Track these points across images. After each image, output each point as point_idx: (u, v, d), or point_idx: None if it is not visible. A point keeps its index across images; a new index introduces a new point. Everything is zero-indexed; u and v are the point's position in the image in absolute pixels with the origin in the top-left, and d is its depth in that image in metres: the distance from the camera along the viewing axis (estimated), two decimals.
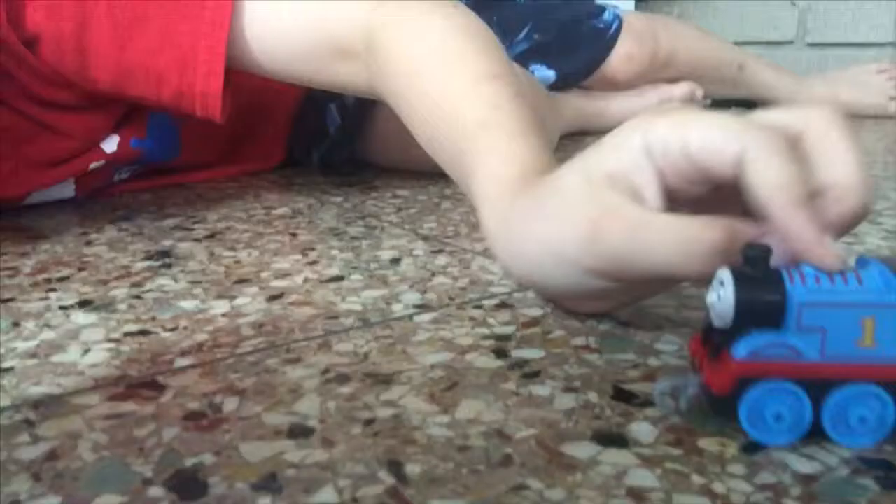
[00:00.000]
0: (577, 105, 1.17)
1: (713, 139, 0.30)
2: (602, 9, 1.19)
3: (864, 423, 0.28)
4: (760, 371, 0.28)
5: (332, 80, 0.59)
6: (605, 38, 1.17)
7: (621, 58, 1.18)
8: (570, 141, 1.08)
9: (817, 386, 0.28)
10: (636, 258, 0.32)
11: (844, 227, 0.30)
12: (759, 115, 0.32)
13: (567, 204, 0.34)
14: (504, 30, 1.09)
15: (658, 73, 1.23)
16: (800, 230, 0.28)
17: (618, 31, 1.18)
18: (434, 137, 0.48)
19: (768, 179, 0.29)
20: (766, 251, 0.28)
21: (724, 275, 0.28)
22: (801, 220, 0.28)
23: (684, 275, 0.32)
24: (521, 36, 1.10)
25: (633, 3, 1.74)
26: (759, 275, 0.28)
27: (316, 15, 0.56)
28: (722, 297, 0.28)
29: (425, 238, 0.60)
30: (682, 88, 1.28)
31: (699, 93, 1.29)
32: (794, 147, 0.30)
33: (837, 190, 0.30)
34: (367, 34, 0.53)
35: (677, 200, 0.33)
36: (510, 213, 0.38)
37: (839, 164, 0.30)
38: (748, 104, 1.50)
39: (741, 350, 0.28)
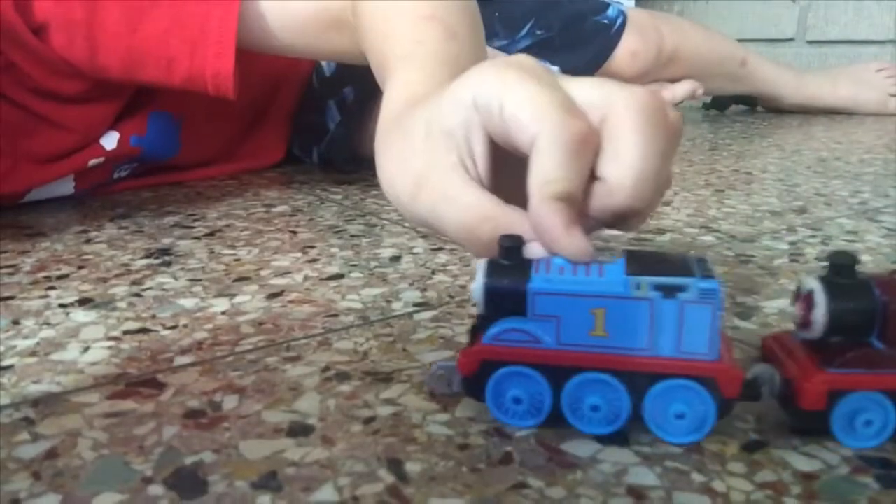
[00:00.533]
0: None
1: (519, 114, 0.30)
2: (606, 5, 1.19)
3: (596, 412, 0.29)
4: (501, 355, 0.29)
5: (331, 50, 0.60)
6: (609, 34, 1.16)
7: (626, 54, 1.17)
8: None
9: (556, 372, 0.29)
10: (438, 227, 0.33)
11: (613, 221, 0.30)
12: (577, 89, 0.31)
13: (406, 151, 0.35)
14: (506, 25, 1.09)
15: (662, 69, 1.23)
16: (547, 223, 0.28)
17: (622, 27, 1.17)
18: (379, 80, 0.49)
19: (539, 171, 0.29)
20: (520, 241, 0.29)
21: (480, 264, 0.29)
22: (549, 213, 0.28)
23: (475, 253, 0.32)
24: (524, 32, 1.09)
25: (633, 0, 1.73)
26: (510, 264, 0.29)
27: None
28: (475, 285, 0.29)
29: (425, 236, 0.60)
30: (683, 87, 1.28)
31: (699, 91, 1.29)
32: (593, 133, 0.29)
33: (609, 183, 0.29)
34: (353, 3, 0.54)
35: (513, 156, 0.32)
36: (380, 137, 0.39)
37: (620, 157, 0.29)
38: (748, 100, 1.50)
39: (486, 335, 0.29)
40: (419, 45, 0.45)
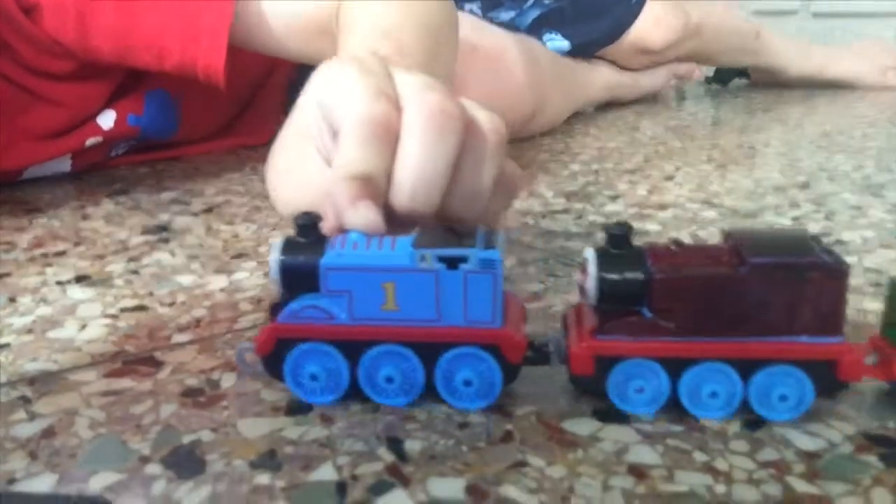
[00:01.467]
0: (607, 76, 1.14)
1: (332, 102, 0.31)
2: None
3: (391, 383, 0.29)
4: (297, 332, 0.29)
5: (320, 56, 0.59)
6: (629, 3, 1.10)
7: (650, 25, 1.10)
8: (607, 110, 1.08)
9: (352, 346, 0.29)
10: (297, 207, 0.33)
11: (398, 213, 0.30)
12: (400, 84, 0.32)
13: (280, 148, 0.39)
14: None
15: (687, 42, 1.20)
16: (336, 199, 0.28)
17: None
18: None
19: (339, 153, 0.30)
20: (315, 219, 0.29)
21: (275, 242, 0.30)
22: (339, 190, 0.28)
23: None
24: (531, 1, 1.05)
25: None
26: (305, 241, 0.29)
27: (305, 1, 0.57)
28: (270, 262, 0.30)
29: None
30: (685, 66, 1.28)
31: (698, 73, 1.30)
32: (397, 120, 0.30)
33: (392, 183, 0.30)
34: (337, 12, 0.54)
35: None
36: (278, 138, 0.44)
37: (400, 158, 0.30)
38: (745, 73, 1.49)
39: (282, 313, 0.29)
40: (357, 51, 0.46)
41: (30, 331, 0.38)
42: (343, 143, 0.30)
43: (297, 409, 0.30)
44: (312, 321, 0.29)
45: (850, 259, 0.46)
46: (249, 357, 0.31)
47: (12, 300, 0.42)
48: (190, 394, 0.31)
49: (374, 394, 0.30)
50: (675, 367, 0.28)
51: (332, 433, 0.28)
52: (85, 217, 0.59)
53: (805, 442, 0.27)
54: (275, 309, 0.30)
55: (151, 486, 0.25)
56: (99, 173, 0.74)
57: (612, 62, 1.14)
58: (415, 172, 0.29)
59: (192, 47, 0.57)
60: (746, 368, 0.28)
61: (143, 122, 0.71)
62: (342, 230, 0.29)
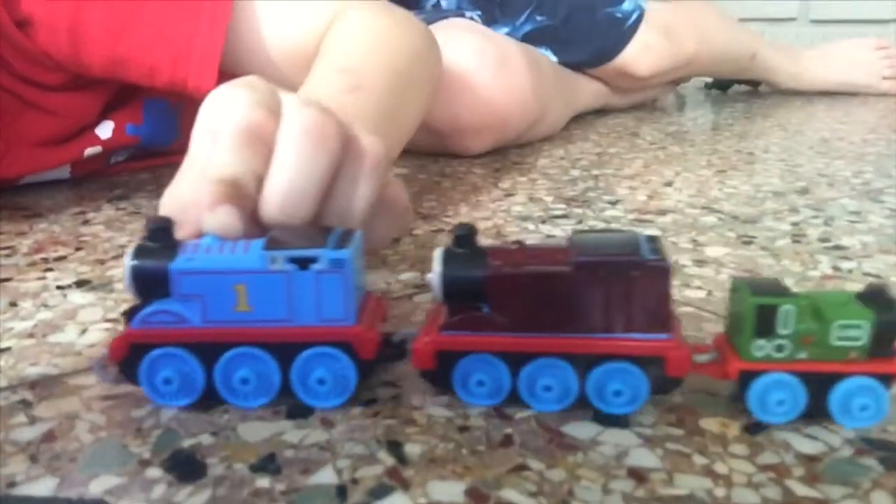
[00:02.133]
0: (596, 85, 1.14)
1: (210, 113, 0.33)
2: None
3: (246, 384, 0.30)
4: (150, 338, 0.30)
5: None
6: (621, 28, 1.08)
7: (638, 52, 1.08)
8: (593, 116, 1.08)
9: (206, 350, 0.30)
10: None
11: (267, 224, 0.31)
12: (284, 100, 0.33)
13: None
14: (505, 13, 1.05)
15: (677, 72, 1.18)
16: (200, 202, 0.29)
17: (637, 21, 1.08)
18: None
19: (209, 163, 0.31)
20: (167, 223, 0.30)
21: (129, 249, 0.30)
22: (202, 193, 0.29)
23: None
24: (524, 17, 1.05)
25: None
26: (158, 246, 0.30)
27: (295, 31, 0.58)
28: (124, 269, 0.30)
29: (425, 217, 0.59)
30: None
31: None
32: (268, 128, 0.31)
33: (264, 188, 0.31)
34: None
35: None
36: None
37: (271, 171, 0.31)
38: (750, 80, 1.49)
39: (135, 319, 0.30)
40: (316, 87, 0.49)
41: (30, 335, 0.38)
42: (215, 150, 0.30)
43: (297, 412, 0.30)
44: (164, 326, 0.29)
45: (849, 265, 0.46)
46: (108, 363, 0.31)
47: (13, 304, 0.42)
48: None
49: (230, 396, 0.30)
50: (515, 362, 0.29)
51: (332, 437, 0.28)
52: (85, 222, 0.60)
53: (805, 445, 0.27)
54: (130, 314, 0.30)
55: (152, 489, 0.25)
56: (99, 179, 0.74)
57: (600, 80, 1.14)
58: (285, 184, 0.30)
59: (183, 68, 0.58)
60: (586, 364, 0.29)
61: (142, 131, 0.72)
62: (201, 234, 0.30)
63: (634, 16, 1.08)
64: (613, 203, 0.63)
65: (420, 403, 0.30)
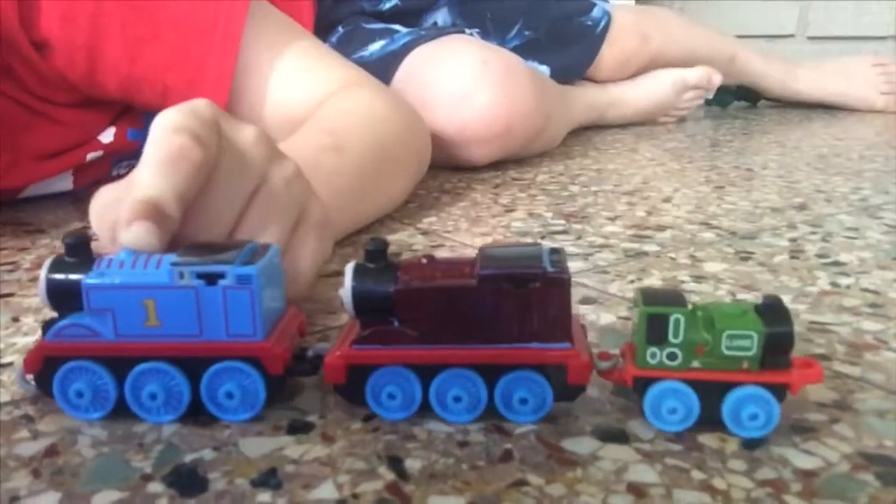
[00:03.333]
0: (590, 98, 1.16)
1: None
2: (592, 5, 1.17)
3: (155, 399, 0.30)
4: (63, 351, 0.30)
5: None
6: (593, 35, 1.15)
7: (608, 56, 1.16)
8: (594, 132, 1.08)
9: (118, 363, 0.30)
10: None
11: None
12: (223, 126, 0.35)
13: None
14: (496, 28, 1.09)
15: (648, 67, 1.23)
16: (119, 219, 0.30)
17: (606, 28, 1.15)
18: None
19: (132, 182, 0.32)
20: (83, 238, 0.31)
21: (45, 264, 0.31)
22: (122, 211, 0.30)
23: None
24: (513, 33, 1.09)
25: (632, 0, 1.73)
26: (73, 261, 0.30)
27: (297, 96, 0.61)
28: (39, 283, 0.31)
29: (425, 232, 0.60)
30: (695, 74, 1.26)
31: (717, 78, 1.25)
32: (188, 150, 0.32)
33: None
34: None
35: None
36: None
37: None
38: (749, 97, 1.50)
39: (49, 332, 0.30)
40: (299, 141, 0.52)
41: None
42: (140, 168, 0.32)
43: (298, 427, 0.30)
44: (77, 339, 0.30)
45: (847, 281, 0.46)
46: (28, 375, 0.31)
47: (15, 320, 0.42)
48: (191, 413, 0.31)
49: (140, 411, 0.31)
50: (426, 374, 0.30)
51: (333, 452, 0.28)
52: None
53: (802, 460, 0.27)
54: (46, 327, 0.31)
55: None
56: None
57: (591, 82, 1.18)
58: (150, 198, 0.31)
59: (197, 89, 0.60)
60: (493, 374, 0.30)
61: (143, 136, 0.72)
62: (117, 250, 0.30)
63: (603, 22, 1.15)
64: (612, 219, 0.63)
65: (420, 418, 0.30)
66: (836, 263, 0.50)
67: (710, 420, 0.29)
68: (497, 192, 0.75)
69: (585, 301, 0.43)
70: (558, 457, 0.28)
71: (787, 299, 0.43)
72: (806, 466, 0.27)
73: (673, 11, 1.35)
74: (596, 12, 1.16)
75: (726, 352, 0.28)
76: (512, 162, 0.89)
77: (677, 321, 0.28)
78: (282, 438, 0.29)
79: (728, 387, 0.28)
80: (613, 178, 0.80)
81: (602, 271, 0.49)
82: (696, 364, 0.29)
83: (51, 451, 0.29)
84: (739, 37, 1.39)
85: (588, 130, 1.16)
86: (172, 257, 0.29)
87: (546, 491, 0.26)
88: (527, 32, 1.09)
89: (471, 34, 1.00)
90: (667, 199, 0.70)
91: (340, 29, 0.94)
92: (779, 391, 0.28)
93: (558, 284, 0.29)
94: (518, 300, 0.29)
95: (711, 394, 0.29)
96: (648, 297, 0.29)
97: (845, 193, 0.71)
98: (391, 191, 0.62)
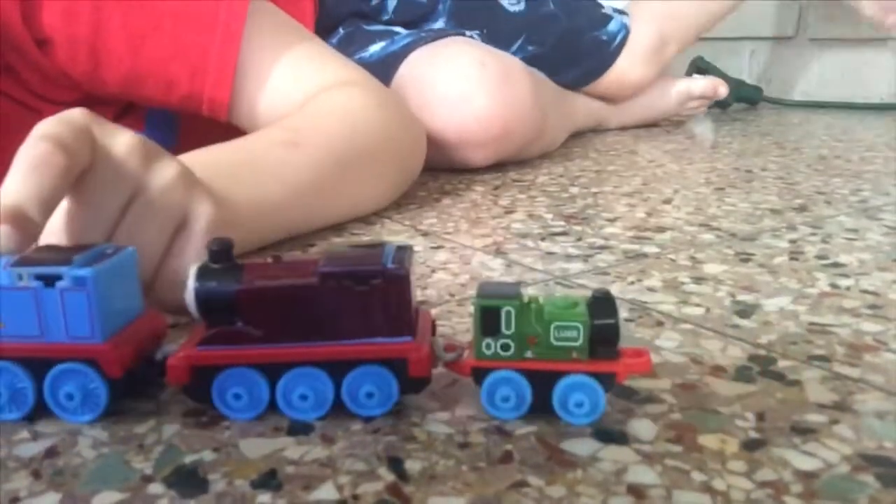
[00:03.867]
0: (592, 105, 1.15)
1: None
2: (608, 18, 1.11)
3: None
4: None
5: None
6: (606, 50, 1.10)
7: (620, 73, 1.11)
8: (591, 136, 1.08)
9: None
10: None
11: None
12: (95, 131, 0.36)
13: None
14: (497, 39, 1.05)
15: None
16: None
17: (622, 43, 1.10)
18: None
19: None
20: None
21: None
22: None
23: None
24: (514, 48, 1.05)
25: None
26: None
27: (291, 89, 0.62)
28: None
29: (425, 234, 0.60)
30: (701, 86, 1.25)
31: (722, 90, 1.25)
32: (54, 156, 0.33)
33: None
34: None
35: None
36: None
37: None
38: (749, 99, 1.50)
39: None
40: (256, 136, 0.54)
41: None
42: (9, 173, 0.32)
43: (298, 429, 0.30)
44: None
45: (847, 282, 0.46)
46: None
47: None
48: (192, 414, 0.31)
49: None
50: (272, 373, 0.30)
51: (333, 453, 0.28)
52: None
53: (802, 462, 0.27)
54: None
55: None
56: None
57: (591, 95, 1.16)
58: (75, 210, 0.32)
59: (200, 80, 0.60)
60: (339, 370, 0.30)
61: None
62: None
63: (619, 36, 1.10)
64: (612, 220, 0.63)
65: (420, 420, 0.30)
66: (836, 265, 0.50)
67: (543, 408, 0.30)
68: (497, 193, 0.75)
69: None
70: (558, 458, 0.28)
71: (787, 300, 0.43)
72: (806, 468, 0.27)
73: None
74: (612, 26, 1.10)
75: (555, 342, 0.29)
76: (512, 163, 0.89)
77: (508, 313, 0.29)
78: (282, 439, 0.29)
79: (558, 376, 0.30)
80: (613, 180, 0.80)
81: (602, 273, 0.49)
82: (529, 354, 0.30)
83: (51, 452, 0.29)
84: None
85: (588, 132, 1.16)
86: (10, 258, 0.30)
87: (546, 492, 0.26)
88: (530, 48, 1.05)
89: (471, 36, 1.00)
90: (667, 201, 0.70)
91: (341, 30, 0.94)
92: (606, 380, 0.30)
93: (397, 280, 0.30)
94: (359, 297, 0.30)
95: (543, 382, 0.30)
96: (484, 290, 0.30)
97: (845, 195, 0.71)
98: (362, 191, 0.62)
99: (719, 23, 1.27)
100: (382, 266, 0.30)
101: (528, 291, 0.37)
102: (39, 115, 0.65)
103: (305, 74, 0.63)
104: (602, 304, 0.30)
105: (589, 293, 0.30)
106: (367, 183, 0.62)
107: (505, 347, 0.30)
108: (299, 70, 0.63)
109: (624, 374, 0.30)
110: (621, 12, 1.14)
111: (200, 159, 0.47)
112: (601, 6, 1.12)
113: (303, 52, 0.64)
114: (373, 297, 0.30)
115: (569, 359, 0.29)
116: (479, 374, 0.30)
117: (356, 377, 0.30)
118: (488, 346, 0.30)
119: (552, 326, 0.29)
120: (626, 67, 1.12)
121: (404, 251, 0.31)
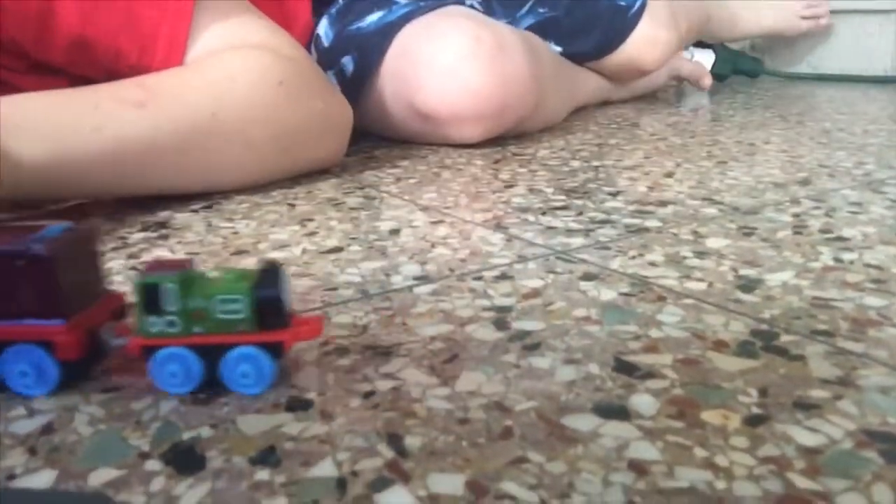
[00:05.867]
0: (598, 81, 1.13)
1: None
2: None
3: None
4: None
5: None
6: (624, 18, 1.05)
7: (644, 42, 1.06)
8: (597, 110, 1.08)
9: None
10: None
11: None
12: None
13: None
14: (505, 5, 1.04)
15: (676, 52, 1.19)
16: None
17: (640, 10, 1.05)
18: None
19: None
20: None
21: None
22: None
23: None
24: (525, 10, 1.02)
25: None
26: None
27: (215, 43, 0.62)
28: None
29: (425, 209, 0.59)
30: (688, 70, 1.28)
31: (706, 81, 1.30)
32: None
33: None
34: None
35: None
36: None
37: None
38: (749, 72, 1.49)
39: None
40: (106, 87, 0.56)
41: None
42: None
43: (297, 405, 0.30)
44: None
45: (850, 256, 0.46)
46: None
47: None
48: None
49: None
50: None
51: (332, 429, 0.28)
52: (84, 214, 0.59)
53: (805, 438, 0.27)
54: None
55: (151, 482, 0.25)
56: None
57: (601, 74, 1.13)
58: None
59: (149, 54, 0.61)
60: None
61: None
62: None
63: (637, 4, 1.06)
64: (614, 194, 0.62)
65: (420, 396, 0.30)
66: (840, 239, 0.49)
67: (214, 382, 0.30)
68: (497, 167, 0.74)
69: (587, 277, 0.43)
70: (559, 434, 0.28)
71: (790, 275, 0.43)
72: (809, 443, 0.27)
73: None
74: None
75: (221, 315, 0.30)
76: (512, 137, 0.88)
77: (168, 290, 0.30)
78: (280, 416, 0.29)
79: (226, 349, 0.30)
80: (615, 154, 0.80)
81: (603, 247, 0.49)
82: (197, 329, 0.30)
83: (47, 429, 0.28)
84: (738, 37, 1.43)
85: (589, 105, 1.15)
86: None
87: (546, 468, 0.26)
88: (542, 10, 1.01)
89: (471, 5, 0.98)
90: (668, 175, 0.69)
91: (340, 0, 0.92)
92: (275, 349, 0.30)
93: (41, 262, 0.30)
94: (6, 277, 0.30)
95: (213, 356, 0.30)
96: (148, 268, 0.30)
97: (849, 168, 0.71)
98: (218, 162, 0.61)
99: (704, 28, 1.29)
100: (26, 247, 0.30)
101: (209, 266, 0.35)
102: (3, 83, 0.65)
103: (216, 36, 0.63)
104: (266, 275, 0.30)
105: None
106: (226, 156, 0.61)
107: (171, 324, 0.30)
108: (216, 35, 0.63)
109: (290, 343, 0.31)
110: None
111: (19, 107, 0.49)
112: None
113: (237, 19, 0.64)
114: (19, 278, 0.30)
115: (235, 331, 0.30)
116: (148, 353, 0.30)
117: (11, 355, 0.30)
118: (154, 324, 0.30)
119: (216, 300, 0.30)
120: (648, 36, 1.07)
121: (75, 232, 0.31)
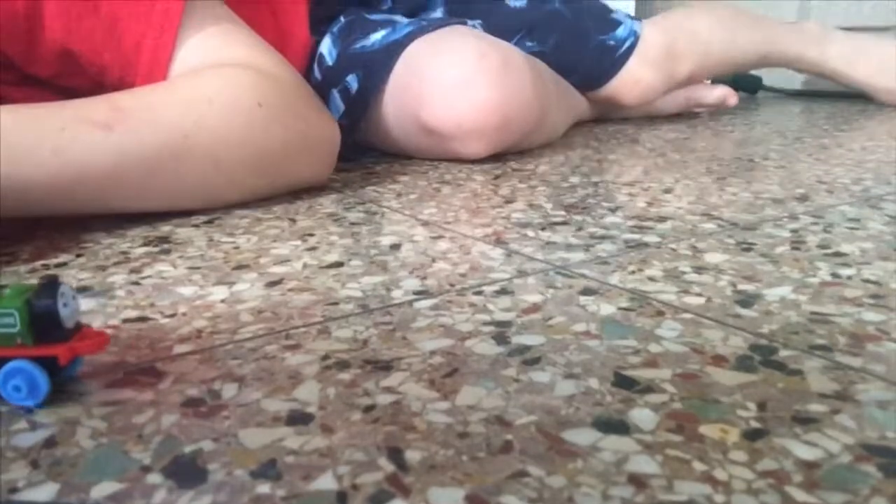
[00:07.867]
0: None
1: None
2: (617, 23, 1.06)
3: None
4: None
5: None
6: (612, 56, 1.05)
7: (628, 81, 1.06)
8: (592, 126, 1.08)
9: None
10: None
11: None
12: None
13: None
14: (493, 32, 1.03)
15: (672, 91, 1.15)
16: None
17: (630, 50, 1.05)
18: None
19: None
20: None
21: None
22: None
23: None
24: (513, 42, 1.01)
25: (633, 1, 1.72)
26: None
27: (197, 60, 0.62)
28: None
29: (425, 224, 0.59)
30: (713, 97, 1.21)
31: (733, 100, 1.21)
32: None
33: None
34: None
35: None
36: None
37: None
38: (749, 87, 1.50)
39: None
40: (78, 104, 0.54)
41: None
42: None
43: (297, 419, 0.30)
44: None
45: (848, 272, 0.46)
46: None
47: None
48: (191, 404, 0.31)
49: None
50: None
51: (333, 443, 0.28)
52: (86, 228, 0.60)
53: (804, 451, 0.27)
54: None
55: (153, 495, 0.25)
56: None
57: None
58: None
59: (132, 69, 0.61)
60: None
61: None
62: None
63: (628, 43, 1.06)
64: (613, 210, 0.63)
65: (420, 410, 0.30)
66: (838, 254, 0.50)
67: None
68: (497, 182, 0.74)
69: (586, 292, 0.43)
70: (559, 448, 0.28)
71: (788, 290, 0.43)
72: (807, 457, 0.27)
73: (707, 8, 1.18)
74: (621, 31, 1.06)
75: None
76: (512, 153, 0.88)
77: None
78: (281, 429, 0.29)
79: (3, 362, 0.31)
80: (614, 169, 0.80)
81: (602, 262, 0.49)
82: None
83: (49, 443, 0.29)
84: None
85: (588, 121, 1.16)
86: None
87: (546, 482, 0.26)
88: (529, 44, 1.02)
89: (473, 25, 0.99)
90: (667, 190, 0.70)
91: (342, 19, 0.93)
92: (50, 364, 0.31)
93: None
94: None
95: None
96: None
97: (847, 184, 0.71)
98: (186, 185, 0.60)
99: (759, 65, 1.22)
100: None
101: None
102: None
103: (202, 53, 0.63)
104: (44, 289, 0.31)
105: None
106: (195, 178, 0.60)
107: None
108: (201, 51, 0.63)
109: (68, 357, 0.31)
110: (634, 18, 1.10)
111: None
112: (611, 10, 1.09)
113: (222, 36, 0.64)
114: None
115: (13, 345, 0.31)
116: None
117: None
118: None
119: None
120: (632, 75, 1.07)
121: None
